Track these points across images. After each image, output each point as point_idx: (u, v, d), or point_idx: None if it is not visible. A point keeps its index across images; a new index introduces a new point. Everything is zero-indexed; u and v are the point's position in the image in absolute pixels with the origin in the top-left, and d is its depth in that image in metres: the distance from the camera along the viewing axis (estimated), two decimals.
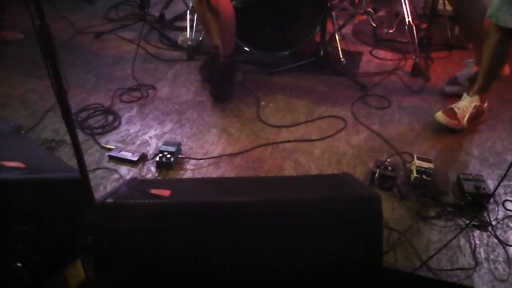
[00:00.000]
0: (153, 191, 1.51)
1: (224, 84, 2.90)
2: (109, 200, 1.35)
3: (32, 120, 2.68)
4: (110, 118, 2.69)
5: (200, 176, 2.26)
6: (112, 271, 1.39)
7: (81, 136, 2.55)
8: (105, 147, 2.45)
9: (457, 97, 2.63)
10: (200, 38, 3.37)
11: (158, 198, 1.46)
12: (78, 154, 1.61)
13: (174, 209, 1.38)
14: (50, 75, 1.44)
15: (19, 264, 1.67)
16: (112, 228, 1.33)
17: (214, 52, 3.00)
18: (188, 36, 3.43)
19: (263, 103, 2.83)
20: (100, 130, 2.59)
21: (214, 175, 2.27)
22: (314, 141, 2.49)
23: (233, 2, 2.99)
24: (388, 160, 2.20)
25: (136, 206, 1.36)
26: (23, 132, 2.46)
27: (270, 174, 2.28)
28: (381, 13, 3.91)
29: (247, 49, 3.18)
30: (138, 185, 1.62)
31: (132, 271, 1.42)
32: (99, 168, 2.29)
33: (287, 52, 3.17)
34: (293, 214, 1.34)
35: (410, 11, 3.21)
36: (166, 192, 1.51)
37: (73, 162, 2.27)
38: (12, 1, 3.28)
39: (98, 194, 2.00)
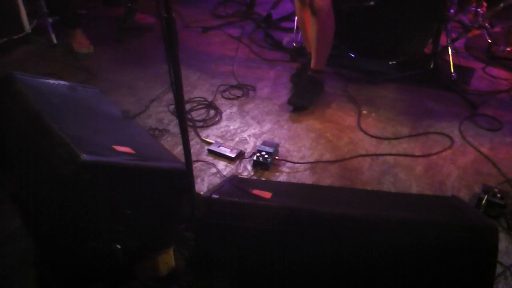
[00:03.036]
0: (255, 191, 1.51)
1: (304, 95, 2.81)
2: (215, 196, 1.36)
3: (137, 107, 2.80)
4: (212, 112, 2.74)
5: (295, 179, 2.24)
6: (209, 265, 1.41)
7: None
8: (205, 140, 2.50)
9: None
10: None
11: (259, 199, 1.45)
12: (186, 147, 1.64)
13: (275, 213, 1.37)
14: (170, 67, 1.47)
15: (118, 246, 1.74)
16: (215, 224, 1.34)
17: (308, 60, 2.93)
18: (293, 37, 3.41)
19: (364, 112, 2.75)
20: (201, 124, 2.64)
21: (309, 181, 2.23)
22: (416, 157, 2.38)
23: (343, 6, 2.94)
24: (497, 186, 2.06)
25: (239, 205, 1.36)
26: (131, 117, 2.57)
27: (367, 186, 2.21)
28: (498, 29, 3.67)
29: (352, 55, 3.11)
30: (240, 183, 1.62)
31: (228, 268, 1.43)
32: (198, 161, 2.34)
33: (394, 62, 3.06)
34: (399, 234, 1.28)
35: None
36: (267, 194, 1.50)
37: (175, 152, 2.36)
38: None
39: (196, 187, 2.03)
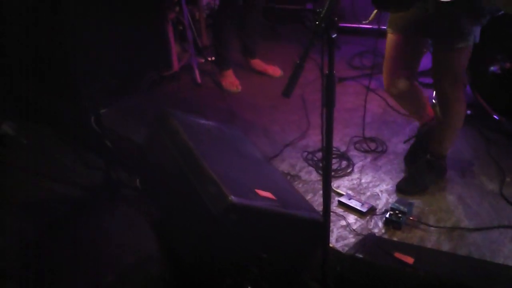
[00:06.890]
0: (397, 254, 1.47)
1: (418, 181, 2.50)
2: (358, 255, 1.35)
3: (272, 151, 2.88)
4: (344, 163, 2.74)
5: (429, 244, 2.14)
6: None
7: (314, 175, 2.66)
8: (336, 191, 2.50)
9: None
10: None
11: (402, 264, 1.42)
12: (326, 199, 1.64)
13: (420, 281, 1.32)
14: (323, 121, 1.52)
15: (249, 287, 1.78)
16: (357, 283, 1.33)
17: (421, 135, 2.62)
18: (434, 94, 3.33)
19: (508, 179, 2.58)
20: (333, 173, 2.65)
21: (445, 247, 2.13)
22: None
23: (492, 66, 2.83)
24: None
25: (384, 268, 1.34)
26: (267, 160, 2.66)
27: (509, 261, 2.05)
28: None
29: (496, 118, 2.95)
30: (381, 243, 1.60)
31: None
32: None
33: None
34: None
35: None
36: (409, 259, 1.46)
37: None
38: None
39: None
